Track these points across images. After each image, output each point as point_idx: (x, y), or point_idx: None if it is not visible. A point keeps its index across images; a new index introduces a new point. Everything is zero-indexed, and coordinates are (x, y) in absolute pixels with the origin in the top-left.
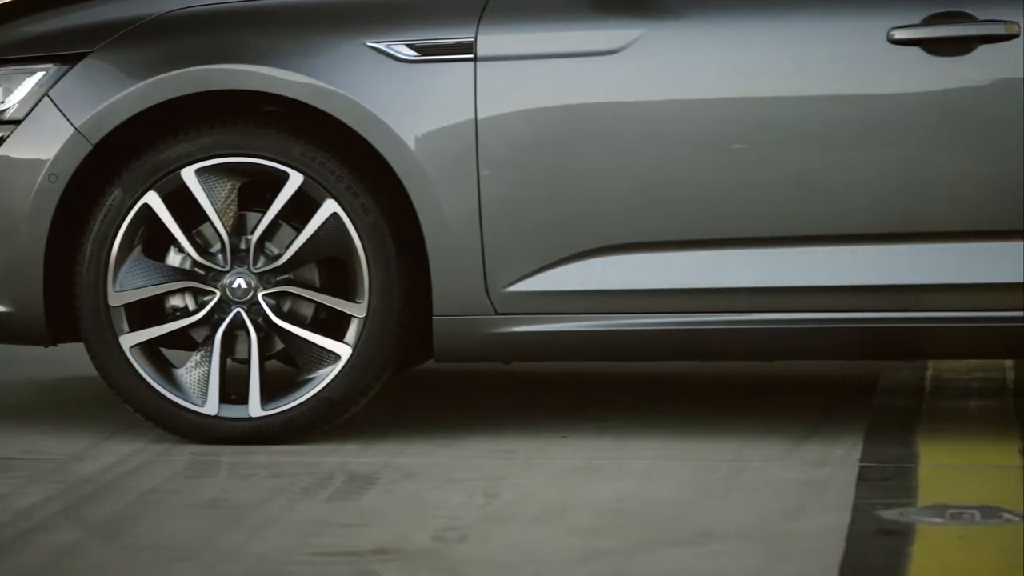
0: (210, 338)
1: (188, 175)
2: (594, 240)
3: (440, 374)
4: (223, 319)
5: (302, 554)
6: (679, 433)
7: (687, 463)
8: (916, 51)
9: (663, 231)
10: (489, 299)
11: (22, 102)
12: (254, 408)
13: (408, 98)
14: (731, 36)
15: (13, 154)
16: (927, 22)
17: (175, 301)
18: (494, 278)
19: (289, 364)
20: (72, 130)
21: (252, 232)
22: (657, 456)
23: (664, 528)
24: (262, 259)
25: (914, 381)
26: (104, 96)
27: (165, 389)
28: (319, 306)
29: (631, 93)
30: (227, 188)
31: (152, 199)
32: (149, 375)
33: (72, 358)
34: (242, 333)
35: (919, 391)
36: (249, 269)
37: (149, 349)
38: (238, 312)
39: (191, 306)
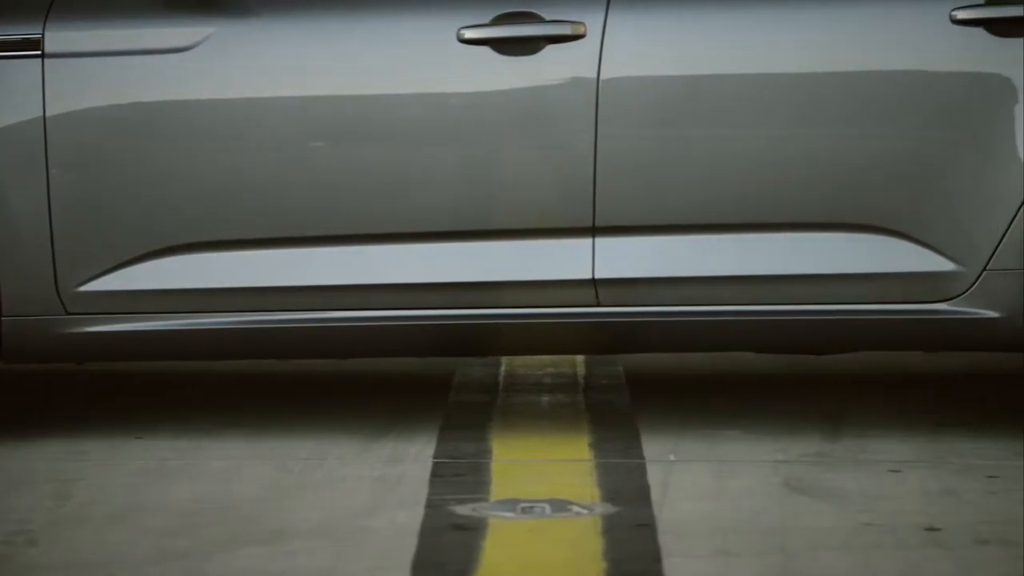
0: None
1: None
2: (166, 239)
3: (12, 375)
4: None
5: None
6: (256, 432)
7: (264, 462)
8: (485, 51)
9: (236, 230)
10: (60, 299)
11: None
12: None
13: None
14: (304, 35)
15: None
16: (496, 22)
17: None
18: (65, 278)
19: None
20: None
21: None
22: (234, 456)
23: (240, 527)
24: None
25: (488, 377)
26: None
27: None
28: None
29: (202, 91)
30: None
31: None
32: None
33: None
34: None
35: (493, 387)
36: None
37: None
38: None
39: None
